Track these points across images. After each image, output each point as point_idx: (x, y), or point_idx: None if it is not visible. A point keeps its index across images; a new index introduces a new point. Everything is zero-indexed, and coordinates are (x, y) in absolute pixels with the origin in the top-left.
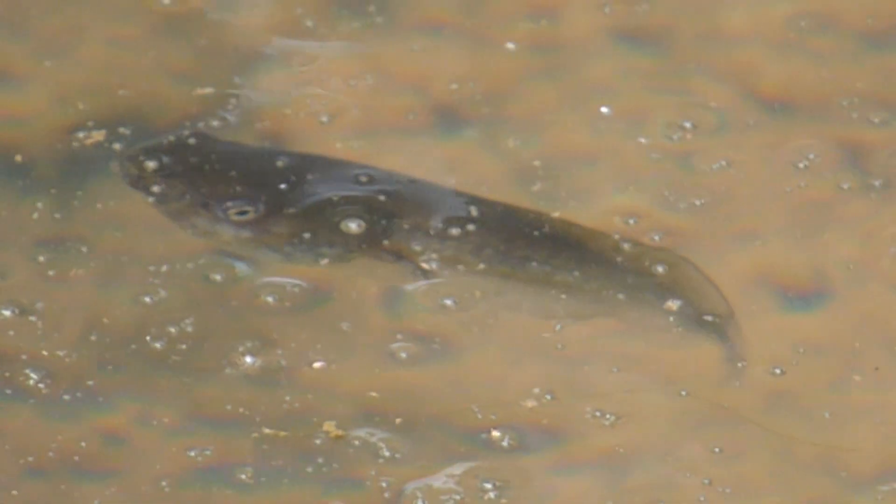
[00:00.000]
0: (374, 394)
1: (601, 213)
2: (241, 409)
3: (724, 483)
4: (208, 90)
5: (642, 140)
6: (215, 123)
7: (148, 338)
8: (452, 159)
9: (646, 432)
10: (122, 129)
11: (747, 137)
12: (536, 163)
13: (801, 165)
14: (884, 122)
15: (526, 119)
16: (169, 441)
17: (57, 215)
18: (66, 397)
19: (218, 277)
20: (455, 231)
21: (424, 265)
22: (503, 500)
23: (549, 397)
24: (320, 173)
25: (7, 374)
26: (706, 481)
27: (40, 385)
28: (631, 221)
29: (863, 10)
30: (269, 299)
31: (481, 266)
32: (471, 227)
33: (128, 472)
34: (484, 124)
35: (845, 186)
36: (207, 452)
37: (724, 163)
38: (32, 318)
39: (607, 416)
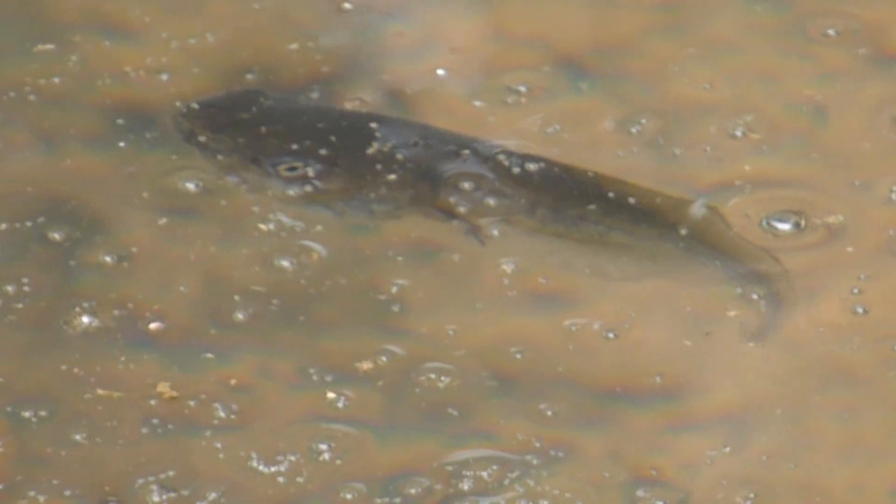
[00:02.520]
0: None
1: (723, 173)
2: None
3: (843, 443)
4: (326, 45)
5: (764, 94)
6: (334, 81)
7: None
8: (573, 114)
9: (759, 392)
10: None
11: (863, 89)
12: (657, 118)
13: None
14: None
15: (647, 74)
16: None
17: (179, 170)
18: None
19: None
20: (508, 190)
21: (477, 224)
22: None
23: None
24: (373, 130)
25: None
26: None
27: None
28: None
29: None
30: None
31: (534, 225)
32: (524, 186)
33: None
34: (606, 79)
35: None
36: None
37: (846, 117)
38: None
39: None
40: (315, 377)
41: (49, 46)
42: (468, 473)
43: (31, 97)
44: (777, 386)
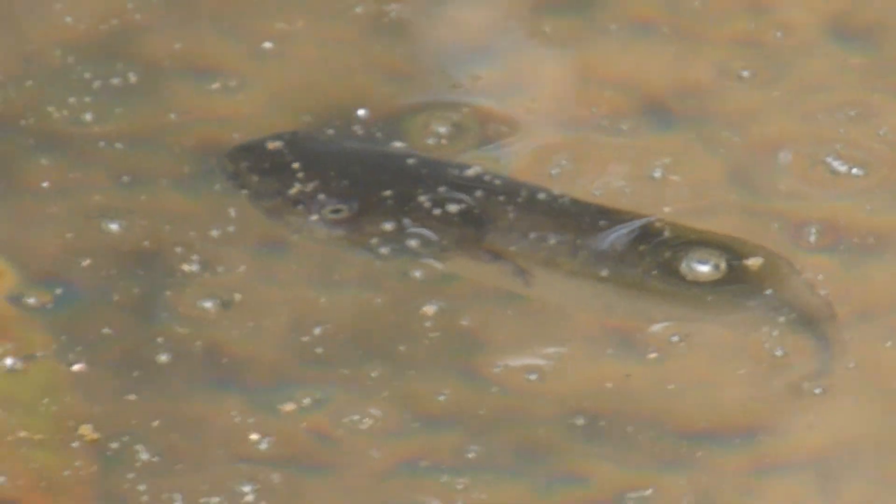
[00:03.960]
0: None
1: (811, 208)
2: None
3: None
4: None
5: (853, 131)
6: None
7: None
8: (661, 156)
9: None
10: (330, 130)
11: None
12: (747, 160)
13: None
14: None
15: (735, 117)
16: None
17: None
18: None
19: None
20: (552, 233)
21: (523, 265)
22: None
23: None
24: (417, 173)
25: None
26: None
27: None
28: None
29: None
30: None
31: (577, 269)
32: (567, 230)
33: None
34: (693, 122)
35: None
36: None
37: None
38: (239, 312)
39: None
40: (403, 419)
41: (140, 87)
42: None
43: (120, 140)
44: (864, 427)
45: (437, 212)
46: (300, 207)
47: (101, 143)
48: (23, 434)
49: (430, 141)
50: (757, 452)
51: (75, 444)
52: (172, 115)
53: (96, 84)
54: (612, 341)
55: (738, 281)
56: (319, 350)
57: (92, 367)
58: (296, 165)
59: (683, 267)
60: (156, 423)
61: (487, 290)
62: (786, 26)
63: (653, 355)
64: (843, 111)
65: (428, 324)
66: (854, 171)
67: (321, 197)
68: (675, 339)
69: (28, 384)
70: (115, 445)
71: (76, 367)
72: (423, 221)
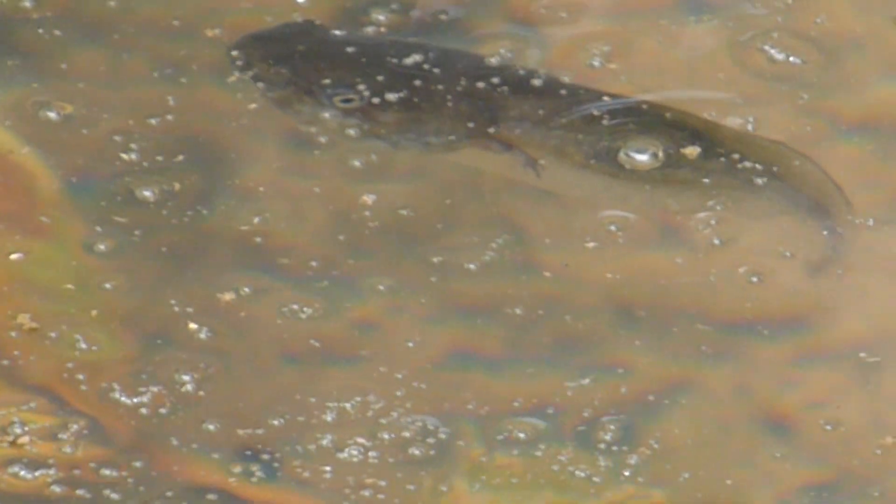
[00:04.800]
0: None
1: (868, 103)
2: None
3: None
4: None
5: None
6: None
7: None
8: (700, 44)
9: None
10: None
11: None
12: (799, 48)
13: None
14: None
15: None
16: None
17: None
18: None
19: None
20: (565, 122)
21: (535, 155)
22: None
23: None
24: (431, 62)
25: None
26: None
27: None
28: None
29: None
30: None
31: (592, 161)
32: (581, 119)
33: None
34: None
35: None
36: None
37: None
38: (289, 207)
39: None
40: (444, 312)
41: None
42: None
43: (153, 29)
44: None
45: (449, 101)
46: (311, 96)
47: (136, 33)
48: None
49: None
50: (799, 343)
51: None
52: (204, 4)
53: None
54: (651, 233)
55: (759, 172)
56: (363, 241)
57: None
58: (307, 54)
59: (621, 156)
60: (190, 310)
61: (524, 181)
62: None
63: (688, 246)
64: None
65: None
66: None
67: (332, 86)
68: (708, 231)
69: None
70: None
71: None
72: (436, 110)
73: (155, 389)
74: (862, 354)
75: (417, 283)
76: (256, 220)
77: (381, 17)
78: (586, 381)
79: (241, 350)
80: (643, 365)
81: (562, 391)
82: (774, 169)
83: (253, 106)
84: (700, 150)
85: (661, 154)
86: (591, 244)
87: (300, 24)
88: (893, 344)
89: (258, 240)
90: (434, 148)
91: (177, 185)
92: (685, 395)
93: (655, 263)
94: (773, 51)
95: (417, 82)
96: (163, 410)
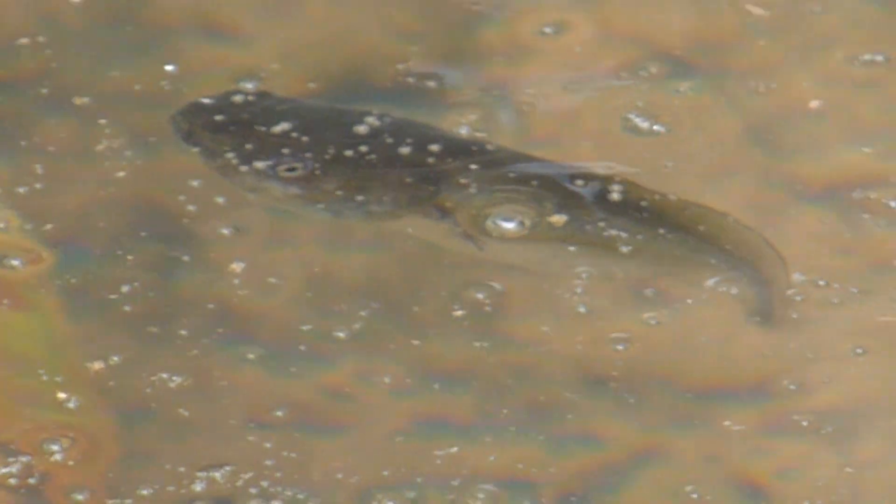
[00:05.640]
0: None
1: (829, 169)
2: None
3: None
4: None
5: (871, 93)
6: (431, 83)
7: None
8: (677, 111)
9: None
10: (341, 87)
11: None
12: (763, 115)
13: None
14: None
15: (753, 71)
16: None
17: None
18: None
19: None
20: (509, 191)
21: (503, 224)
22: None
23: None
24: (376, 130)
25: (236, 330)
26: None
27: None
28: (860, 177)
29: None
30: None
31: (535, 228)
32: (526, 187)
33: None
34: (709, 76)
35: None
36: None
37: None
38: (259, 274)
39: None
40: (415, 380)
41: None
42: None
43: (134, 101)
44: (879, 383)
45: (391, 169)
46: (253, 166)
47: (110, 102)
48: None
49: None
50: (769, 411)
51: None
52: (180, 72)
53: (106, 42)
54: (621, 300)
55: (706, 242)
56: (333, 310)
57: (105, 326)
58: (250, 123)
59: (489, 223)
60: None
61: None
62: None
63: (658, 314)
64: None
65: (439, 285)
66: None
67: (276, 154)
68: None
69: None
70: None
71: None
72: (378, 179)
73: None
74: (832, 421)
75: (387, 351)
76: (225, 287)
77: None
78: (557, 449)
79: (205, 416)
80: (613, 433)
81: (533, 460)
82: (723, 242)
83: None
84: (567, 218)
85: (527, 223)
86: (560, 312)
87: (246, 92)
88: (864, 411)
89: (227, 307)
90: (376, 217)
91: (142, 255)
92: (654, 464)
93: (624, 331)
94: None
95: (360, 151)
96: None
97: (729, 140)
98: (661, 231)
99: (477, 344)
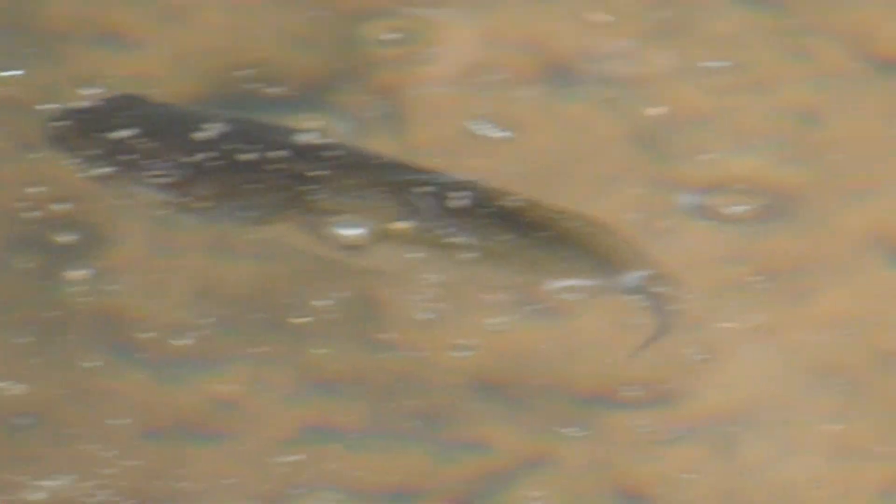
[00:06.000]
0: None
1: (715, 174)
2: None
3: (834, 447)
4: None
5: (758, 100)
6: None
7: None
8: (566, 119)
9: (747, 394)
10: (230, 95)
11: (864, 96)
12: (652, 123)
13: None
14: None
15: (642, 78)
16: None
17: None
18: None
19: None
20: (385, 198)
21: (344, 232)
22: None
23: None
24: (248, 136)
25: (120, 338)
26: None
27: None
28: (743, 183)
29: None
30: None
31: (410, 234)
32: (402, 194)
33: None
34: (598, 83)
35: None
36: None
37: (840, 121)
38: (145, 281)
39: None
40: (302, 388)
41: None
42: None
43: (19, 105)
44: (763, 389)
45: (263, 175)
46: (123, 171)
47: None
48: None
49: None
50: (657, 416)
51: None
52: (64, 77)
53: None
54: (508, 305)
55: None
56: (217, 318)
57: None
58: (121, 129)
59: (328, 231)
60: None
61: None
62: None
63: (548, 317)
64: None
65: (323, 292)
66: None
67: (149, 161)
68: (572, 299)
69: None
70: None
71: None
72: (250, 185)
73: None
74: (720, 427)
75: (276, 358)
76: (116, 294)
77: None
78: (444, 456)
79: (94, 424)
80: (500, 440)
81: (420, 467)
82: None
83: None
84: (407, 226)
85: (372, 229)
86: (449, 317)
87: (119, 98)
88: (751, 416)
89: (118, 314)
90: (247, 222)
91: (38, 261)
92: (541, 471)
93: (513, 336)
94: None
95: (231, 156)
96: None
97: (612, 146)
98: (528, 236)
99: (363, 351)
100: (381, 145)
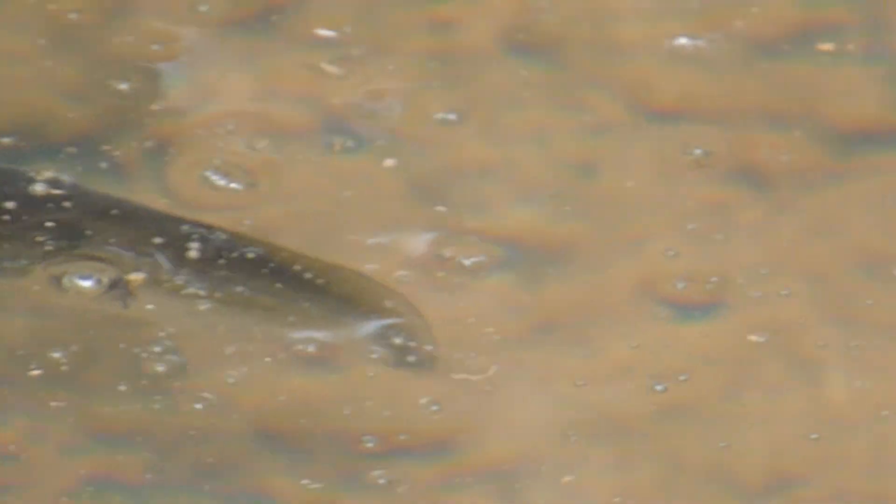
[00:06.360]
0: None
1: (501, 226)
2: None
3: (614, 495)
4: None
5: (536, 151)
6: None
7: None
8: (346, 173)
9: (528, 443)
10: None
11: (641, 148)
12: (432, 175)
13: (694, 175)
14: (775, 129)
15: (422, 130)
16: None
17: None
18: None
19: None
20: (152, 249)
21: (81, 283)
22: None
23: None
24: (12, 186)
25: None
26: (595, 493)
27: None
28: (527, 232)
29: (754, 21)
30: None
31: (178, 285)
32: (170, 246)
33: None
34: (379, 137)
35: (739, 194)
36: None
37: (614, 173)
38: None
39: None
40: (85, 440)
41: None
42: None
43: None
44: (547, 436)
45: (23, 223)
46: None
47: None
48: None
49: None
50: (443, 465)
51: None
52: None
53: None
54: (293, 357)
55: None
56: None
57: None
58: None
59: (66, 281)
60: None
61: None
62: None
63: (335, 369)
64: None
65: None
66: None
67: None
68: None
69: None
70: None
71: None
72: (11, 236)
73: None
74: (503, 476)
75: (56, 411)
76: None
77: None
78: None
79: None
80: (284, 491)
81: None
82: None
83: None
84: (143, 276)
85: (104, 280)
86: (233, 370)
87: None
88: (533, 465)
89: None
90: (9, 273)
91: None
92: None
93: (298, 387)
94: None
95: None
96: None
97: (388, 198)
98: (299, 291)
99: (147, 403)
100: (137, 194)
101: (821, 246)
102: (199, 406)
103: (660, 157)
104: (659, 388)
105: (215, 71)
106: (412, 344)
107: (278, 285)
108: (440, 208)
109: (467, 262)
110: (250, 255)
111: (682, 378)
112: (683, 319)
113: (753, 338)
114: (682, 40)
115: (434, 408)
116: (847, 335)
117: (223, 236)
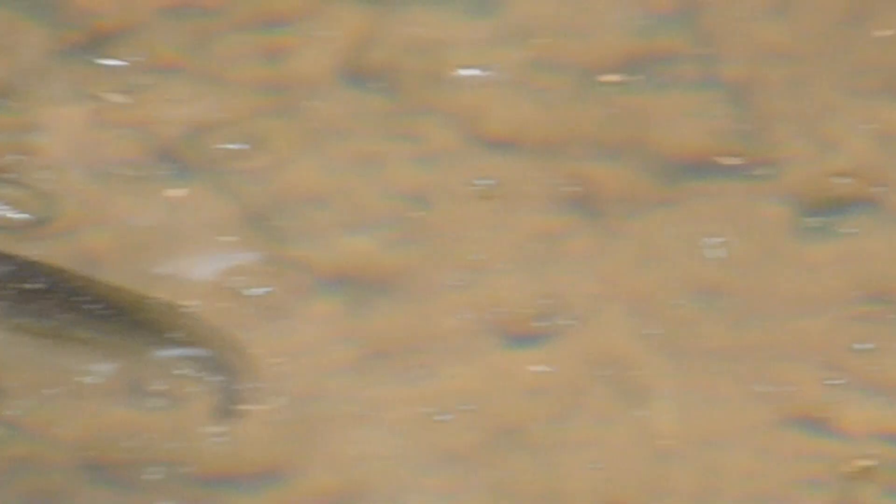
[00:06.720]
0: None
1: (331, 255)
2: None
3: None
4: None
5: (369, 180)
6: None
7: None
8: (180, 202)
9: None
10: None
11: (472, 176)
12: (268, 204)
13: (527, 205)
14: (609, 159)
15: (258, 160)
16: None
17: None
18: None
19: None
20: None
21: None
22: None
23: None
24: None
25: None
26: None
27: None
28: (361, 262)
29: (588, 52)
30: None
31: None
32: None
33: None
34: (214, 165)
35: (571, 223)
36: None
37: (447, 201)
38: None
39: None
40: None
41: None
42: None
43: None
44: (377, 466)
45: None
46: None
47: None
48: None
49: None
50: (272, 495)
51: None
52: None
53: None
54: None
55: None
56: None
57: None
58: None
59: None
60: None
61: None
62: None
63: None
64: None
65: None
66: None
67: None
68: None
69: None
70: None
71: None
72: None
73: None
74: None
75: None
76: None
77: None
78: None
79: None
80: None
81: None
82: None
83: None
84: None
85: None
86: (60, 400)
87: None
88: (363, 496)
89: None
90: None
91: None
92: None
93: (125, 418)
94: None
95: None
96: None
97: (219, 227)
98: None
99: None
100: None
101: (649, 274)
102: (30, 435)
103: (492, 183)
104: (488, 416)
105: (35, 101)
106: (233, 376)
107: (93, 317)
108: (268, 237)
109: (293, 291)
110: (64, 287)
111: (511, 406)
112: (514, 347)
113: (583, 366)
114: (513, 70)
115: (263, 438)
116: (674, 363)
117: (40, 268)
